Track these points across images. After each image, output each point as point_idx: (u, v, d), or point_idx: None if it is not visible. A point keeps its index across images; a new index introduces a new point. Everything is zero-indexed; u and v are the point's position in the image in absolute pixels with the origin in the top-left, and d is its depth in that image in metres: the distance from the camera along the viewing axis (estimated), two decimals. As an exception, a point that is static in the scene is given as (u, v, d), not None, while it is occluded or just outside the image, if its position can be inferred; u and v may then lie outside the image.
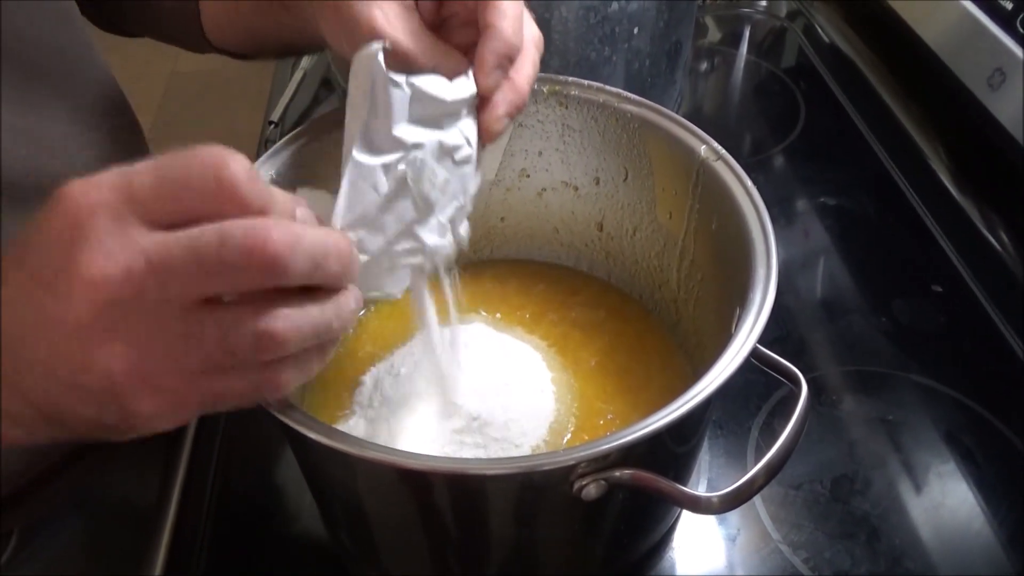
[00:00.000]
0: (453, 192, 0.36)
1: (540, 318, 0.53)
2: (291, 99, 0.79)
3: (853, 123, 0.77)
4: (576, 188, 0.52)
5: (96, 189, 0.25)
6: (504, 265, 0.56)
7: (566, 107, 0.49)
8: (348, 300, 0.29)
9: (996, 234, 0.65)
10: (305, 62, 0.82)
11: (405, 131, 0.32)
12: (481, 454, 0.42)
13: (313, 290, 0.28)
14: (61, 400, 0.27)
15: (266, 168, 0.43)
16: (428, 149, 0.33)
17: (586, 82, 0.48)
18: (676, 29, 0.62)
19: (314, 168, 0.45)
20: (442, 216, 0.36)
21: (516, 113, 0.37)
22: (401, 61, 0.36)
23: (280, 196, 0.27)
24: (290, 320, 0.27)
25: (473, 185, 0.38)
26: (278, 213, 0.27)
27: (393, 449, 0.34)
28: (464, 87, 0.35)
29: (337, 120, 0.47)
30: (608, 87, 0.48)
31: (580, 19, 0.56)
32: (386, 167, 0.32)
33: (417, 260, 0.36)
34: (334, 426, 0.44)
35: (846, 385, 0.56)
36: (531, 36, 0.38)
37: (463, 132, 0.35)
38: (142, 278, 0.25)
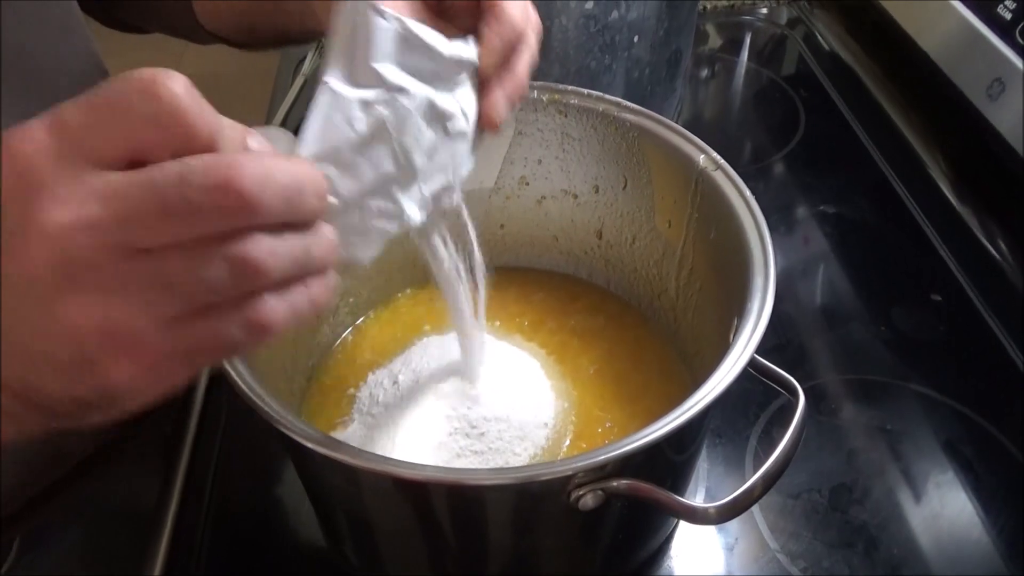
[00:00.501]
0: (441, 164, 0.33)
1: (539, 326, 0.53)
2: (292, 105, 0.79)
3: (853, 131, 0.77)
4: (575, 196, 0.53)
5: (30, 133, 0.23)
6: (503, 273, 0.56)
7: (566, 116, 0.49)
8: (325, 231, 0.26)
9: (995, 243, 0.65)
10: (306, 67, 0.82)
11: (388, 70, 0.29)
12: (479, 462, 0.42)
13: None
14: (33, 378, 0.25)
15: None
16: (416, 102, 0.30)
17: (586, 91, 0.48)
18: (676, 38, 0.62)
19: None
20: (425, 187, 0.33)
21: (517, 101, 0.36)
22: None
23: (228, 123, 0.25)
24: (266, 244, 0.24)
25: (465, 166, 0.35)
26: (227, 141, 0.24)
27: (391, 459, 0.34)
28: (463, 48, 0.32)
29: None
30: (607, 96, 0.48)
31: (580, 28, 0.56)
32: (364, 103, 0.29)
33: (392, 226, 0.32)
34: (332, 434, 0.44)
35: (845, 394, 0.56)
36: (531, 22, 0.36)
37: (459, 101, 0.33)
38: (99, 222, 0.23)
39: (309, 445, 0.32)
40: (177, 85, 0.23)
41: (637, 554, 0.45)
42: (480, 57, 0.33)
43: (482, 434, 0.43)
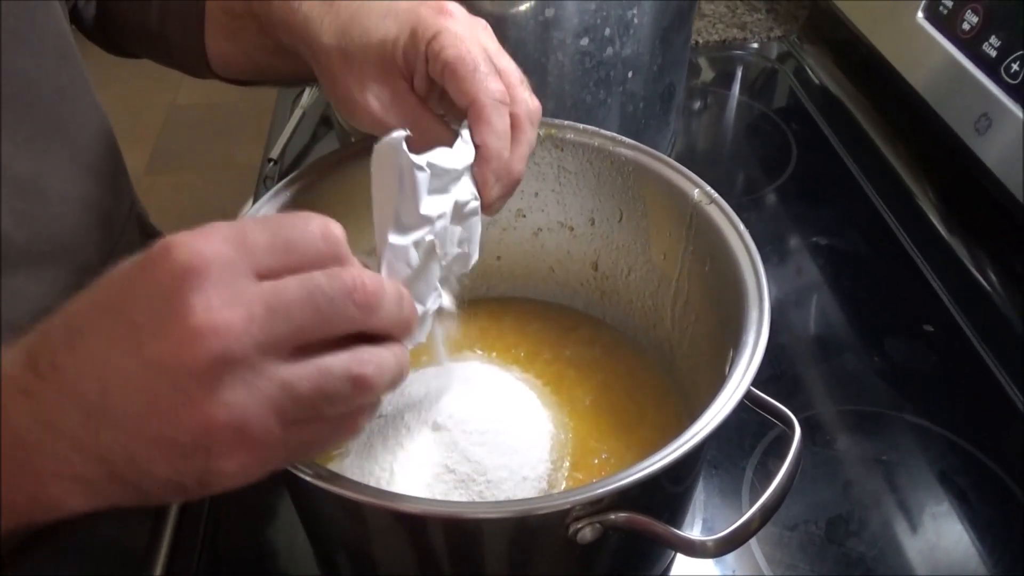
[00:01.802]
0: (460, 240, 0.39)
1: (535, 356, 0.53)
2: (290, 137, 0.80)
3: (844, 164, 0.78)
4: (572, 228, 0.53)
5: (208, 240, 0.26)
6: (499, 303, 0.57)
7: (562, 150, 0.50)
8: (405, 348, 0.30)
9: (985, 274, 0.65)
10: (305, 100, 0.83)
11: (428, 206, 0.35)
12: (477, 495, 0.42)
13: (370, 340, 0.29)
14: (142, 458, 0.26)
15: (267, 209, 0.44)
16: (448, 216, 0.36)
17: (581, 126, 0.49)
18: (669, 72, 0.63)
19: (313, 210, 0.46)
20: (445, 260, 0.39)
21: (511, 193, 0.40)
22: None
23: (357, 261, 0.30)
24: (377, 364, 0.28)
25: (478, 232, 0.40)
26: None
27: (388, 492, 0.34)
28: (467, 154, 0.38)
29: (335, 162, 0.48)
30: (603, 131, 0.49)
31: (576, 63, 0.57)
32: (417, 243, 0.35)
33: (436, 304, 0.39)
34: (328, 466, 0.44)
35: (840, 425, 0.56)
36: (527, 112, 0.39)
37: (468, 188, 0.38)
38: (261, 322, 0.25)
39: (306, 478, 0.32)
40: (341, 233, 0.28)
41: (634, 587, 0.44)
42: (481, 195, 0.38)
43: (479, 466, 0.43)
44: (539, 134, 0.49)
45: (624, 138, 0.48)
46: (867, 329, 0.62)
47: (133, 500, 0.28)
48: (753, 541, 0.48)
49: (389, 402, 0.48)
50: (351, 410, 0.28)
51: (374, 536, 0.39)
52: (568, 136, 0.49)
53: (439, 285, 0.38)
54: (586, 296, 0.56)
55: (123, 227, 0.50)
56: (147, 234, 0.56)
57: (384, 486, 0.41)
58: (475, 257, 0.40)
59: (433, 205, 0.35)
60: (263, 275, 0.26)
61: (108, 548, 0.47)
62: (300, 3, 0.42)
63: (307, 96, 0.83)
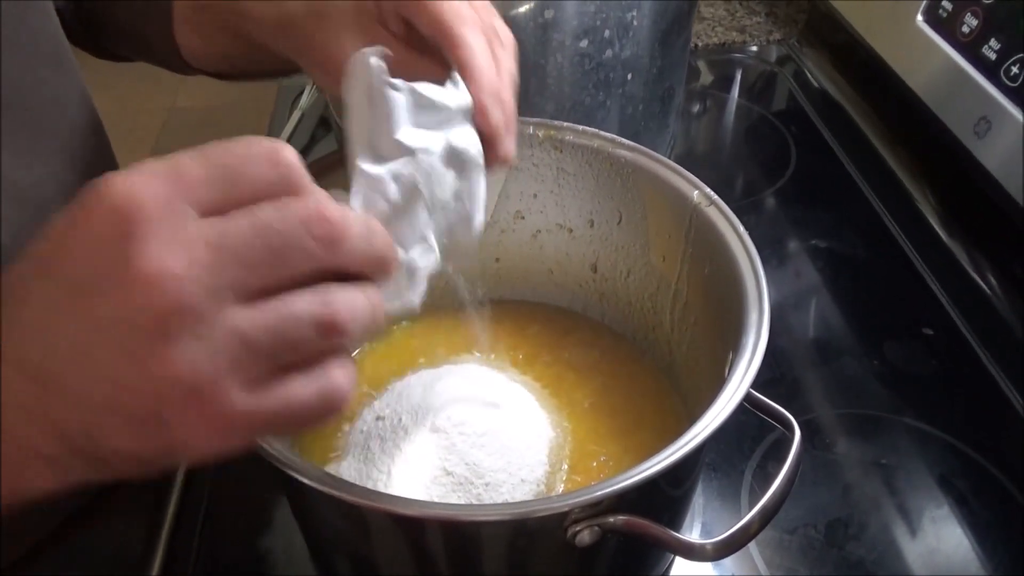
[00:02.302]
0: (458, 193, 0.35)
1: (534, 359, 0.53)
2: (288, 139, 0.80)
3: (843, 167, 0.78)
4: (570, 230, 0.53)
5: (142, 179, 0.23)
6: (498, 306, 0.56)
7: (561, 151, 0.50)
8: (377, 293, 0.27)
9: (984, 277, 0.65)
10: (303, 102, 0.83)
11: (408, 135, 0.31)
12: (475, 497, 0.42)
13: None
14: (97, 431, 0.24)
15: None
16: (437, 154, 0.32)
17: (580, 127, 0.49)
18: (669, 75, 0.63)
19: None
20: (453, 218, 0.35)
21: (514, 127, 0.37)
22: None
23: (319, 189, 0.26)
24: (346, 303, 0.25)
25: (482, 188, 0.36)
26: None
27: (386, 495, 0.34)
28: (461, 96, 0.34)
29: (333, 163, 0.48)
30: (602, 132, 0.49)
31: (575, 65, 0.57)
32: (395, 175, 0.31)
33: (431, 263, 0.34)
34: (326, 469, 0.44)
35: (840, 428, 0.56)
36: (506, 41, 0.37)
37: (468, 137, 0.34)
38: (208, 265, 0.23)
39: (305, 481, 0.32)
40: (294, 156, 0.25)
41: (633, 591, 0.44)
42: (482, 124, 0.35)
43: (477, 469, 0.43)
44: (538, 135, 0.50)
45: (623, 140, 0.48)
46: (866, 332, 0.62)
47: (101, 474, 0.26)
48: (752, 545, 0.48)
49: (387, 404, 0.48)
50: (323, 363, 0.25)
51: (372, 539, 0.39)
52: (567, 138, 0.49)
53: (430, 237, 0.33)
54: (585, 298, 0.55)
55: None
56: None
57: (382, 489, 0.41)
58: (479, 218, 0.36)
59: (415, 136, 0.31)
60: (207, 212, 0.23)
61: (104, 552, 0.47)
62: None
63: (306, 98, 0.83)
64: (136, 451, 0.24)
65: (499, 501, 0.41)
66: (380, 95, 0.30)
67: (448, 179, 0.33)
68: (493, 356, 0.53)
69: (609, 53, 0.58)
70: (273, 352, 0.24)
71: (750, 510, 0.33)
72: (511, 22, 0.55)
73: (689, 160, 0.80)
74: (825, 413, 0.57)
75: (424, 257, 0.33)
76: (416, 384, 0.49)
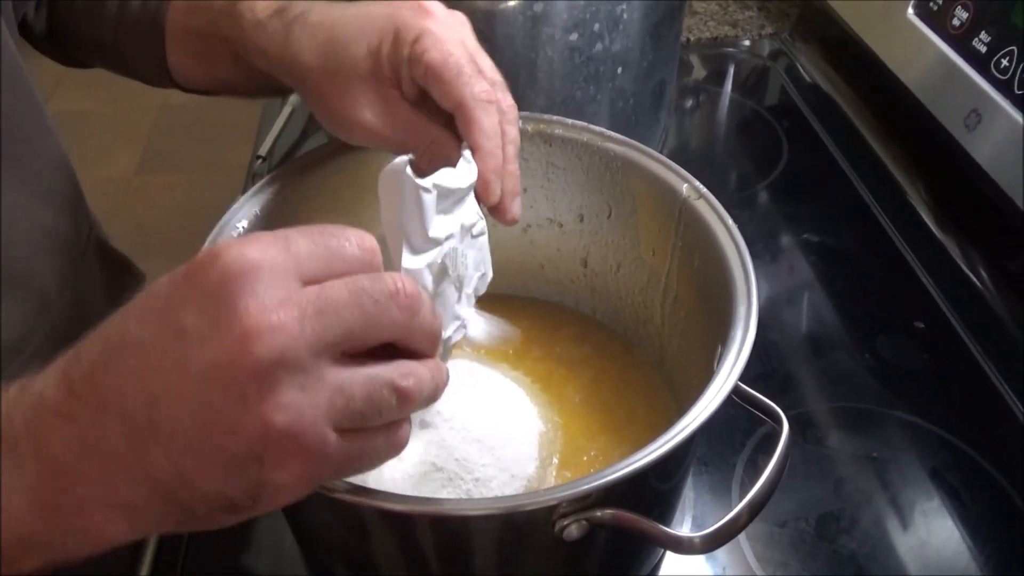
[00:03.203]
0: (476, 263, 0.39)
1: (524, 354, 0.52)
2: (279, 134, 0.80)
3: (835, 161, 0.78)
4: (561, 225, 0.53)
5: (254, 245, 0.25)
6: (488, 300, 0.56)
7: (551, 145, 0.49)
8: (439, 364, 0.30)
9: (976, 271, 0.65)
10: (294, 97, 0.82)
11: (437, 227, 0.35)
12: (464, 493, 0.42)
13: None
14: (193, 474, 0.25)
15: (250, 205, 0.43)
16: (457, 236, 0.36)
17: (571, 121, 0.49)
18: (660, 69, 0.63)
19: (297, 206, 0.45)
20: (468, 288, 0.39)
21: (517, 190, 0.40)
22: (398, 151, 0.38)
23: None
24: (417, 377, 0.28)
25: (488, 251, 0.41)
26: None
27: (375, 491, 0.33)
28: (470, 172, 0.38)
29: (323, 157, 0.47)
30: (592, 126, 0.49)
31: (565, 59, 0.56)
32: (430, 265, 0.35)
33: (460, 335, 0.39)
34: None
35: (831, 422, 0.56)
36: (511, 115, 0.39)
37: (472, 209, 0.38)
38: (311, 326, 0.25)
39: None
40: (376, 244, 0.28)
41: (624, 585, 0.44)
42: (486, 196, 0.38)
43: (467, 464, 0.43)
44: (527, 129, 0.49)
45: (613, 133, 0.48)
46: (858, 326, 0.62)
47: (179, 524, 0.27)
48: (744, 539, 0.48)
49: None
50: (394, 424, 0.28)
51: (361, 535, 0.39)
52: (557, 132, 0.49)
53: (461, 314, 0.38)
54: (575, 293, 0.55)
55: (82, 252, 0.49)
56: (108, 259, 0.55)
57: (371, 484, 0.40)
58: (490, 275, 0.41)
59: (441, 226, 0.35)
60: (308, 280, 0.26)
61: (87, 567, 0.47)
62: (273, 25, 0.41)
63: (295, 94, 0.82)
64: (227, 493, 0.26)
65: (489, 496, 0.41)
66: (416, 201, 0.34)
67: (467, 252, 0.38)
68: (483, 351, 0.52)
69: (599, 47, 0.57)
70: (362, 409, 0.26)
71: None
72: (501, 16, 0.55)
73: (681, 155, 0.80)
74: (817, 407, 0.57)
75: (456, 332, 0.39)
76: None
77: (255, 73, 0.44)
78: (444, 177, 0.35)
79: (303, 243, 0.26)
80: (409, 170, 0.33)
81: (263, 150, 0.78)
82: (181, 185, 1.97)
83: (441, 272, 0.36)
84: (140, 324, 0.25)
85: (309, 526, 0.42)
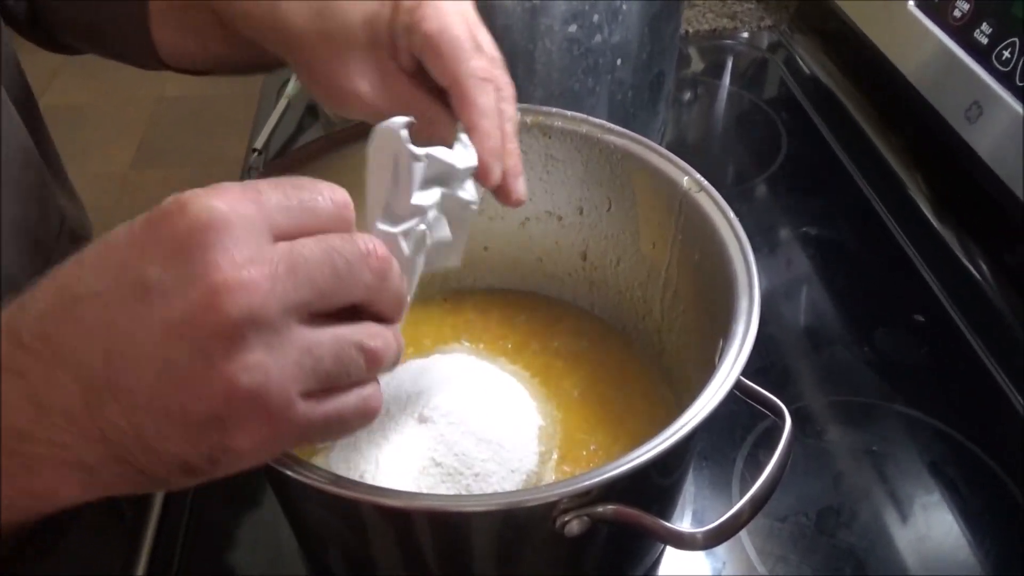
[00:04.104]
0: (455, 236, 0.38)
1: (523, 348, 0.52)
2: (275, 126, 0.79)
3: (834, 153, 0.78)
4: (560, 218, 0.52)
5: (225, 196, 0.24)
6: (486, 295, 0.56)
7: (550, 137, 0.49)
8: (399, 334, 0.29)
9: (976, 263, 0.65)
10: (290, 90, 0.82)
11: (420, 196, 0.34)
12: (464, 489, 0.41)
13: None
14: (151, 434, 0.24)
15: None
16: (436, 205, 0.35)
17: (569, 113, 0.48)
18: (659, 61, 0.63)
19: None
20: (441, 255, 0.38)
21: (519, 172, 0.39)
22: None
23: None
24: (384, 340, 0.27)
25: (467, 233, 0.39)
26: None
27: (373, 486, 0.33)
28: (468, 157, 0.36)
29: (319, 149, 0.47)
30: (591, 118, 0.48)
31: (564, 51, 0.56)
32: (406, 233, 0.33)
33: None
34: (313, 460, 0.44)
35: (830, 416, 0.55)
36: (507, 93, 0.38)
37: (470, 191, 0.37)
38: (282, 284, 0.24)
39: (291, 474, 0.32)
40: (350, 201, 0.27)
41: (624, 580, 0.44)
42: (486, 178, 0.37)
43: (466, 459, 0.43)
44: (526, 121, 0.49)
45: (612, 125, 0.48)
46: (857, 320, 0.62)
47: (135, 486, 0.26)
48: (743, 533, 0.48)
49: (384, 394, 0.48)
50: (363, 387, 0.27)
51: (360, 531, 0.38)
52: (556, 124, 0.49)
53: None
54: (574, 287, 0.55)
55: (53, 243, 0.47)
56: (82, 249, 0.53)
57: (369, 480, 0.40)
58: (459, 257, 0.39)
59: (425, 196, 0.34)
60: (278, 236, 0.25)
61: (91, 541, 0.46)
62: None
63: (292, 86, 0.82)
64: (185, 456, 0.24)
65: (488, 492, 0.41)
66: (406, 166, 0.32)
67: (443, 225, 0.36)
68: (482, 346, 0.52)
69: (598, 38, 0.57)
70: (330, 371, 0.25)
71: (741, 499, 0.33)
72: (498, 7, 0.54)
73: (679, 148, 0.79)
74: (816, 401, 0.56)
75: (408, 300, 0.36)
76: (404, 374, 0.48)
77: (243, 44, 0.42)
78: (440, 151, 0.34)
79: (275, 196, 0.25)
80: (405, 133, 0.32)
81: (259, 143, 0.77)
82: (177, 179, 1.95)
83: (419, 240, 0.34)
84: (97, 275, 0.24)
85: (308, 523, 0.42)
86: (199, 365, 0.23)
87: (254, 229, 0.24)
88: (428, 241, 0.35)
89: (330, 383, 0.26)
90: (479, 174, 0.37)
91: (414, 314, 0.53)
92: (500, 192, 0.38)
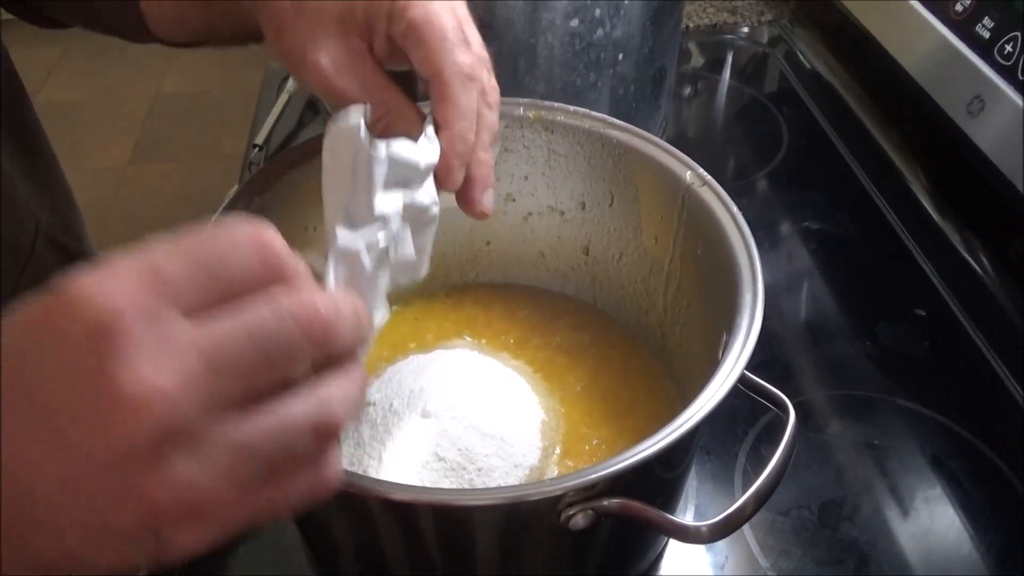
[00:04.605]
0: (416, 251, 0.35)
1: (525, 343, 0.52)
2: (276, 122, 0.79)
3: (835, 148, 0.77)
4: (562, 213, 0.52)
5: (117, 284, 0.21)
6: (489, 290, 0.56)
7: (552, 132, 0.49)
8: (362, 365, 0.26)
9: (977, 257, 0.65)
10: (290, 85, 0.82)
11: (382, 200, 0.31)
12: (467, 482, 0.42)
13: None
14: (82, 553, 0.22)
15: (247, 195, 0.43)
16: (401, 214, 0.33)
17: (572, 108, 0.48)
18: (660, 55, 0.63)
19: (294, 195, 0.45)
20: (399, 277, 0.35)
21: (488, 183, 0.37)
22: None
23: (302, 264, 0.25)
24: (340, 399, 0.24)
25: (431, 241, 0.37)
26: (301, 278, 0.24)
27: (379, 480, 0.33)
28: (431, 151, 0.34)
29: (318, 146, 0.47)
30: (593, 113, 0.48)
31: (565, 45, 0.56)
32: (369, 244, 0.31)
33: (383, 321, 0.34)
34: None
35: (832, 410, 0.56)
36: (493, 100, 0.37)
37: (429, 192, 0.35)
38: (199, 379, 0.21)
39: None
40: (277, 241, 0.23)
41: (627, 573, 0.44)
42: (444, 179, 0.35)
43: (470, 453, 0.43)
44: (528, 116, 0.49)
45: (615, 120, 0.48)
46: (859, 314, 0.62)
47: None
48: (746, 527, 0.48)
49: (378, 390, 0.48)
50: (315, 464, 0.24)
51: (364, 526, 0.38)
52: (558, 118, 0.49)
53: (383, 295, 0.34)
54: (577, 281, 0.55)
55: (28, 252, 0.46)
56: (62, 253, 0.51)
57: (373, 474, 0.40)
58: (425, 269, 0.36)
59: (388, 201, 0.31)
60: (191, 312, 0.21)
61: None
62: None
63: (292, 81, 0.82)
64: (124, 562, 0.23)
65: (492, 486, 0.41)
66: (366, 167, 0.30)
67: (407, 236, 0.34)
68: (484, 341, 0.52)
69: (600, 33, 0.57)
70: (272, 458, 0.23)
71: (744, 493, 0.33)
72: (501, 2, 0.54)
73: (680, 143, 0.78)
74: (818, 395, 0.56)
75: (381, 317, 0.33)
76: (407, 369, 0.49)
77: (222, 9, 0.40)
78: (401, 147, 0.31)
79: (178, 267, 0.21)
80: (363, 132, 0.29)
81: (259, 139, 0.77)
82: (176, 175, 1.96)
83: (382, 256, 0.32)
84: (7, 398, 0.21)
85: (312, 517, 0.42)
86: (116, 489, 0.21)
87: (155, 319, 0.21)
88: (392, 256, 0.33)
89: (274, 469, 0.23)
90: (438, 175, 0.35)
91: (416, 309, 0.54)
92: (463, 200, 0.36)
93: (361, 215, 0.30)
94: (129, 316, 0.20)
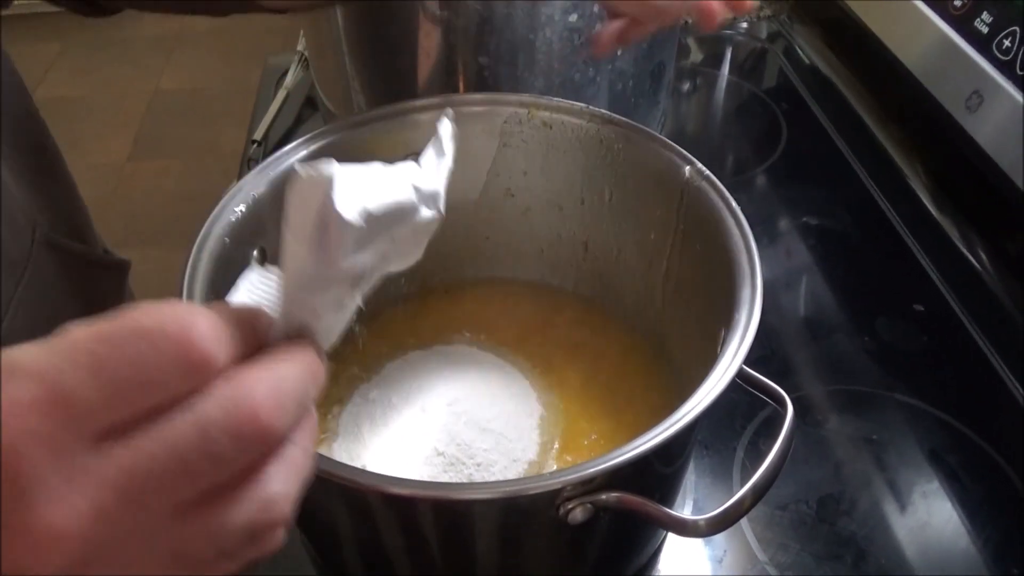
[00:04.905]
0: (416, 244, 0.30)
1: (524, 338, 0.52)
2: (274, 118, 0.79)
3: (834, 143, 0.78)
4: (561, 208, 0.52)
5: (18, 420, 0.19)
6: (488, 285, 0.56)
7: (551, 128, 0.49)
8: (315, 419, 0.24)
9: (975, 253, 0.65)
10: (289, 81, 0.81)
11: (354, 260, 0.26)
12: (466, 477, 0.42)
13: None
14: None
15: (246, 191, 0.43)
16: (378, 267, 0.28)
17: (570, 103, 0.48)
18: (659, 51, 0.62)
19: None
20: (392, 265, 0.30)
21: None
22: None
23: (240, 327, 0.22)
24: (284, 489, 0.22)
25: (424, 244, 0.30)
26: (246, 346, 0.22)
27: (379, 474, 0.33)
28: (438, 176, 0.29)
29: (316, 142, 0.47)
30: (593, 108, 0.48)
31: (564, 40, 0.56)
32: (324, 299, 0.26)
33: (347, 320, 0.29)
34: (317, 450, 0.44)
35: (830, 405, 0.56)
36: None
37: (439, 207, 0.29)
38: (116, 511, 0.20)
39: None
40: (209, 342, 0.20)
41: (626, 567, 0.44)
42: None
43: (469, 448, 0.43)
44: (528, 111, 0.49)
45: (614, 115, 0.48)
46: (857, 309, 0.62)
47: None
48: (744, 521, 0.48)
49: (377, 386, 0.48)
50: (264, 537, 0.23)
51: (364, 520, 0.38)
52: (557, 114, 0.49)
53: (355, 300, 0.28)
54: (576, 277, 0.55)
55: (27, 257, 0.45)
56: (62, 256, 0.50)
57: (372, 469, 0.40)
58: (419, 256, 0.30)
59: (362, 257, 0.26)
60: (105, 434, 0.20)
61: None
62: None
63: (291, 77, 0.82)
64: None
65: (491, 480, 0.41)
66: (335, 231, 0.24)
67: (399, 241, 0.28)
68: (483, 336, 0.52)
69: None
70: (203, 562, 0.21)
71: (742, 487, 0.33)
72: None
73: (679, 139, 0.78)
74: (816, 390, 0.57)
75: (339, 320, 0.28)
76: (407, 365, 0.49)
77: None
78: (381, 197, 0.26)
79: (87, 389, 0.19)
80: (335, 192, 0.23)
81: (258, 135, 0.77)
82: (174, 171, 1.96)
83: (350, 308, 0.27)
84: None
85: (311, 511, 0.42)
86: None
87: (62, 458, 0.19)
88: (361, 302, 0.28)
89: (214, 566, 0.22)
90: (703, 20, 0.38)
91: (414, 306, 0.54)
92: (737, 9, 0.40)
93: (325, 277, 0.25)
94: (34, 455, 0.19)
